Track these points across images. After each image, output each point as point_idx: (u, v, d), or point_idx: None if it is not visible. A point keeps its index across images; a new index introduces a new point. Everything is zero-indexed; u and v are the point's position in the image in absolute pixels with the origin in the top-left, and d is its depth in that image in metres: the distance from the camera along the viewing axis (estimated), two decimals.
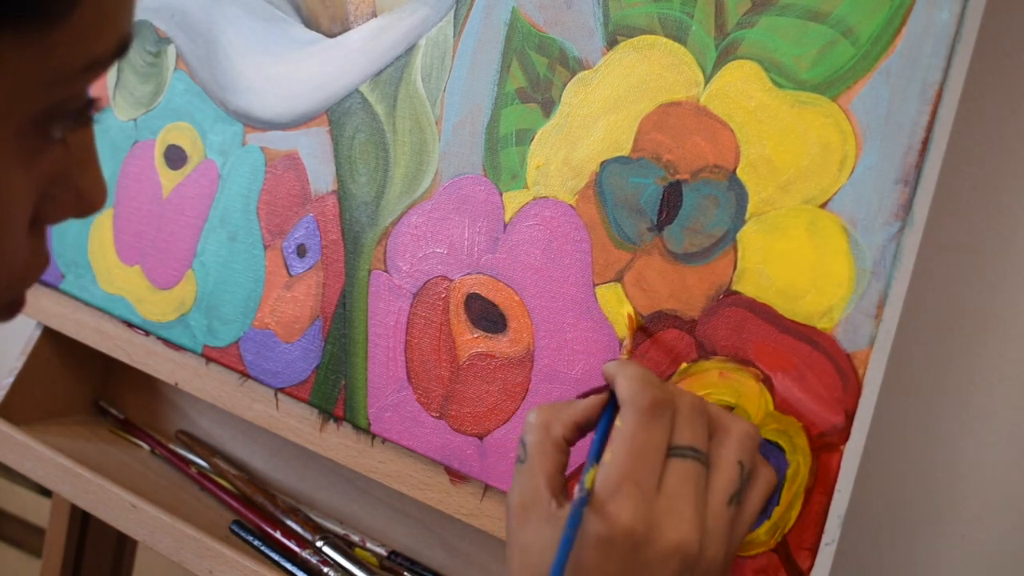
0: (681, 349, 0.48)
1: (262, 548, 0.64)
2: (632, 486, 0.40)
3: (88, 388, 0.80)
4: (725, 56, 0.48)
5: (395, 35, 0.58)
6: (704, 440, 0.42)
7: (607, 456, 0.41)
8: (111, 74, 0.71)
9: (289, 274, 0.61)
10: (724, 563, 0.41)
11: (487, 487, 0.54)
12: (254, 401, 0.63)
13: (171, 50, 0.68)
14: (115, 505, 0.65)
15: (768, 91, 0.46)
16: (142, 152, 0.69)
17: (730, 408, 0.47)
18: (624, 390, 0.42)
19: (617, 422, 0.41)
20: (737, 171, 0.47)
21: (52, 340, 0.76)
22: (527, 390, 0.52)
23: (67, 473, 0.67)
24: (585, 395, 0.44)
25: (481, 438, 0.53)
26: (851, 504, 0.46)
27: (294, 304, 0.61)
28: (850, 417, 0.44)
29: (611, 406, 0.43)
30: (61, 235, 0.72)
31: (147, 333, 0.68)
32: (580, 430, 0.43)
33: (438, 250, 0.56)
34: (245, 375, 0.63)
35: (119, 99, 0.70)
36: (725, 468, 0.41)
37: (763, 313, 0.46)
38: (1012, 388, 0.57)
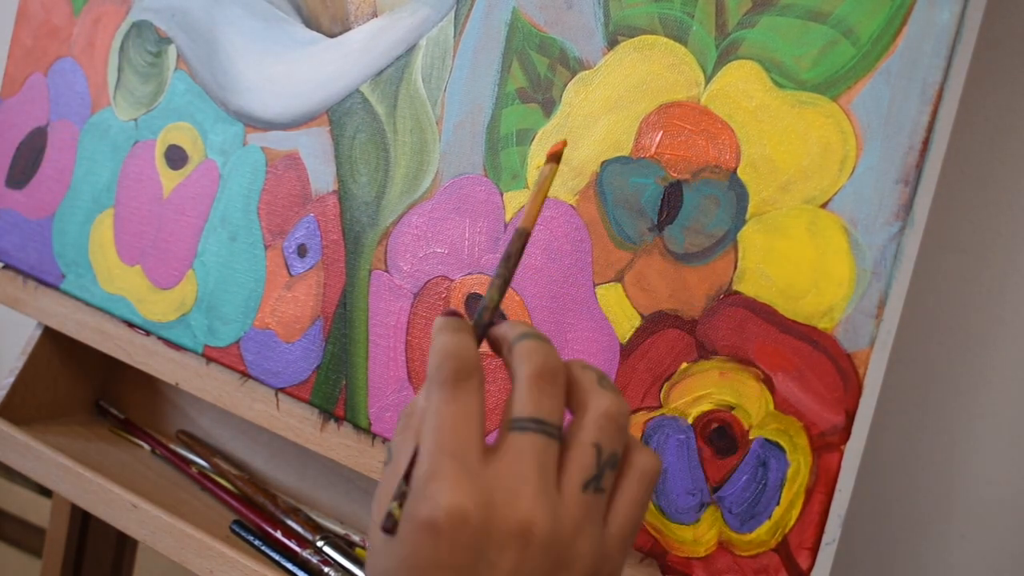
0: (681, 349, 0.48)
1: (263, 548, 0.64)
2: (449, 460, 0.35)
3: (88, 388, 0.80)
4: (726, 56, 0.48)
5: (396, 35, 0.58)
6: (554, 411, 0.37)
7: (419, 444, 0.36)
8: (112, 74, 0.71)
9: (290, 274, 0.61)
10: (590, 561, 0.36)
11: None
12: (255, 401, 0.63)
13: (172, 50, 0.68)
14: (115, 505, 0.65)
15: (769, 91, 0.47)
16: (142, 152, 0.69)
17: (730, 408, 0.47)
18: (429, 367, 0.37)
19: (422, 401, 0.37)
20: (738, 171, 0.47)
21: (52, 340, 0.76)
22: None
23: (67, 473, 0.67)
24: None
25: None
26: (851, 504, 0.46)
27: (295, 304, 0.61)
28: (850, 417, 0.44)
29: None
30: (61, 235, 0.72)
31: (148, 333, 0.68)
32: None
33: (439, 250, 0.56)
34: (246, 375, 0.63)
35: (120, 99, 0.70)
36: (577, 450, 0.36)
37: (763, 313, 0.46)
38: (1012, 388, 0.57)
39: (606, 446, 0.37)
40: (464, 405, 0.37)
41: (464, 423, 0.36)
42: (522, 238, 0.43)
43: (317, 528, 0.65)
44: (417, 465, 0.36)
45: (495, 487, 0.35)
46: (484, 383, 0.38)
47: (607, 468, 0.37)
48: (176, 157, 0.67)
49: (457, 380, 0.37)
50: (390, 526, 0.36)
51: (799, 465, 0.45)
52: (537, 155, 0.53)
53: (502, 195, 0.54)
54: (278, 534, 0.64)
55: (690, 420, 0.48)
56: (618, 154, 0.50)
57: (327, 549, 0.63)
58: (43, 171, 0.73)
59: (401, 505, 0.36)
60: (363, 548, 0.65)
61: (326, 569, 0.61)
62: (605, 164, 0.51)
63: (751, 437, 0.46)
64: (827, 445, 0.44)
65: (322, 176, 0.61)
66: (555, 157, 0.45)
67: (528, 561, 0.35)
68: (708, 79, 0.48)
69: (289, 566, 0.62)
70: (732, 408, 0.47)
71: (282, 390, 0.61)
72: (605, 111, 0.51)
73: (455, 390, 0.37)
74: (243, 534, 0.65)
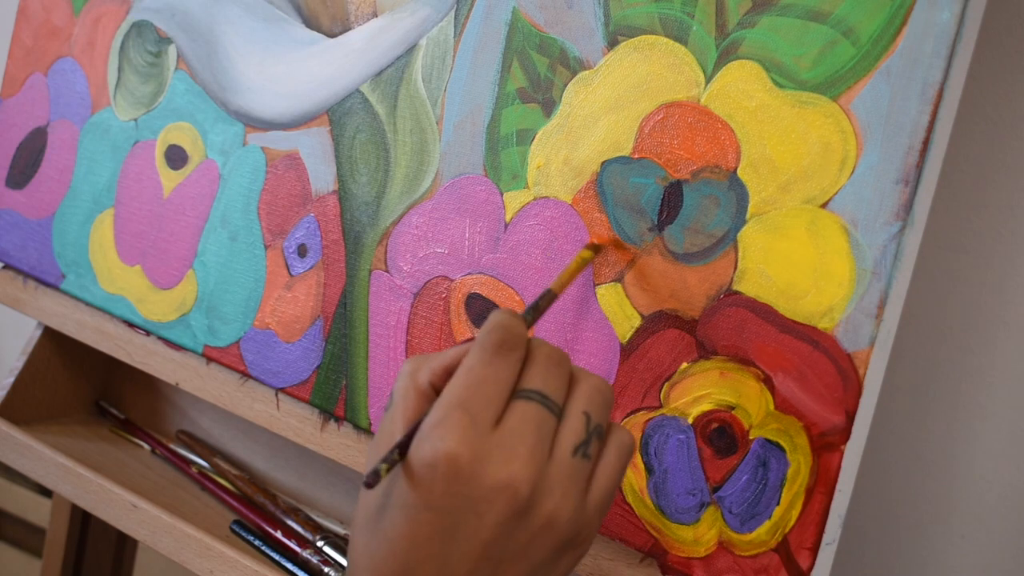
0: (681, 349, 0.48)
1: (263, 548, 0.64)
2: (463, 415, 0.38)
3: (89, 388, 0.80)
4: (726, 56, 0.48)
5: (396, 35, 0.58)
6: (558, 392, 0.40)
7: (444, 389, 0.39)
8: (112, 74, 0.71)
9: (290, 274, 0.61)
10: (571, 524, 0.38)
11: None
12: (255, 401, 0.63)
13: (172, 50, 0.68)
14: (116, 505, 0.65)
15: (769, 91, 0.47)
16: (143, 152, 0.69)
17: (730, 408, 0.47)
18: (479, 332, 0.40)
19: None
20: (738, 171, 0.47)
21: (53, 340, 0.76)
22: None
23: (67, 473, 0.67)
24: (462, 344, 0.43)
25: None
26: (851, 504, 0.46)
27: (295, 304, 0.61)
28: (851, 417, 0.44)
29: None
30: (62, 235, 0.72)
31: (148, 333, 0.68)
32: (449, 376, 0.41)
33: (439, 250, 0.56)
34: (246, 375, 0.63)
35: (120, 99, 0.70)
36: (570, 417, 0.39)
37: (764, 313, 0.46)
38: (1012, 388, 0.57)
39: (594, 416, 0.40)
40: (497, 371, 0.39)
41: (492, 387, 0.39)
42: (548, 299, 0.46)
43: (317, 528, 0.65)
44: (431, 413, 0.38)
45: (494, 445, 0.37)
46: (522, 364, 0.40)
47: (594, 436, 0.40)
48: (176, 157, 0.67)
49: (500, 348, 0.39)
50: (372, 482, 0.38)
51: (799, 465, 0.45)
52: (537, 155, 0.53)
53: (502, 195, 0.54)
54: (278, 534, 0.64)
55: (690, 420, 0.48)
56: (618, 154, 0.50)
57: (327, 549, 0.63)
58: (43, 171, 0.73)
59: (389, 469, 0.38)
60: None
61: (326, 569, 0.61)
62: (605, 164, 0.51)
63: (751, 437, 0.46)
64: (827, 445, 0.44)
65: (322, 176, 0.61)
66: (596, 249, 0.49)
67: (513, 518, 0.37)
68: (708, 79, 0.48)
69: (289, 566, 0.62)
70: (732, 408, 0.47)
71: (282, 390, 0.61)
72: (605, 111, 0.51)
73: (495, 356, 0.39)
74: (243, 534, 0.65)
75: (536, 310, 0.45)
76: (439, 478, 0.37)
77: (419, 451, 0.38)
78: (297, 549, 0.63)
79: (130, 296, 0.68)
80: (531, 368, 0.40)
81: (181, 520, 0.62)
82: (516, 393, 0.39)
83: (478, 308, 0.54)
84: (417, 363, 0.41)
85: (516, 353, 0.40)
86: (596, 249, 0.50)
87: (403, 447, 0.39)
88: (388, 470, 0.38)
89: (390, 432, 0.40)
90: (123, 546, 0.83)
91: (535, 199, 0.53)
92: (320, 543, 0.63)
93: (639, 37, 0.50)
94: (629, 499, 0.49)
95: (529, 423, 0.38)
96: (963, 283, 0.58)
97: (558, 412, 0.39)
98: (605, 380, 0.42)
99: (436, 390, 0.41)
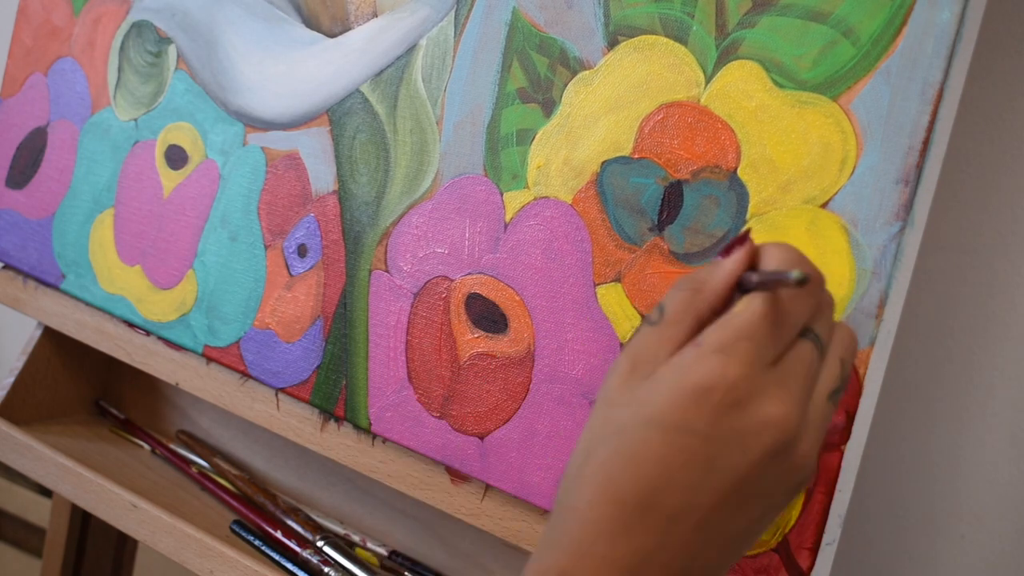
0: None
1: (263, 548, 0.64)
2: (750, 346, 0.36)
3: (89, 388, 0.80)
4: (726, 56, 0.48)
5: (396, 35, 0.58)
6: (828, 335, 0.39)
7: (739, 306, 0.37)
8: (112, 74, 0.71)
9: (290, 274, 0.61)
10: (811, 467, 0.37)
11: (488, 487, 0.54)
12: (255, 401, 0.63)
13: (172, 50, 0.68)
14: (116, 505, 0.65)
15: (769, 91, 0.47)
16: (143, 152, 0.69)
17: None
18: (782, 258, 0.38)
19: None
20: (738, 171, 0.47)
21: (53, 340, 0.76)
22: (528, 390, 0.52)
23: (67, 473, 0.67)
24: (728, 251, 0.40)
25: (482, 438, 0.53)
26: (851, 504, 0.46)
27: (295, 304, 0.61)
28: (851, 417, 0.44)
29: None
30: (62, 235, 0.72)
31: (148, 333, 0.68)
32: (727, 300, 0.39)
33: (439, 250, 0.56)
34: (246, 375, 0.63)
35: (120, 99, 0.70)
36: (830, 363, 0.38)
37: None
38: (1012, 388, 0.57)
39: (847, 365, 0.39)
40: (796, 311, 0.37)
41: (786, 324, 0.37)
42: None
43: (317, 528, 0.65)
44: (711, 333, 0.36)
45: (772, 381, 0.36)
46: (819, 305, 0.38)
47: (843, 384, 0.39)
48: (176, 157, 0.67)
49: (810, 284, 0.37)
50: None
51: None
52: (537, 155, 0.53)
53: (502, 195, 0.54)
54: (278, 534, 0.64)
55: None
56: (618, 154, 0.50)
57: (327, 549, 0.63)
58: (43, 171, 0.73)
59: (800, 282, 0.36)
60: (363, 548, 0.65)
61: (326, 569, 0.61)
62: (605, 164, 0.51)
63: None
64: (827, 445, 0.44)
65: (322, 176, 0.61)
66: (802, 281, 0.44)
67: (774, 456, 0.36)
68: (708, 79, 0.48)
69: (289, 566, 0.62)
70: None
71: (282, 390, 0.61)
72: (605, 111, 0.51)
73: (800, 293, 0.37)
74: (243, 534, 0.65)
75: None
76: (709, 405, 0.35)
77: (694, 371, 0.36)
78: (297, 549, 0.63)
79: (130, 296, 0.68)
80: (822, 309, 0.38)
81: (181, 520, 0.62)
82: (804, 331, 0.38)
83: (478, 308, 0.54)
84: (696, 283, 0.39)
85: (819, 293, 0.38)
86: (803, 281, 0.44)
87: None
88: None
89: (656, 351, 0.38)
90: (123, 546, 0.83)
91: (535, 199, 0.53)
92: (320, 543, 0.63)
93: (639, 37, 0.50)
94: None
95: (805, 365, 0.37)
96: (963, 283, 0.58)
97: (823, 353, 0.38)
98: (853, 330, 0.40)
99: (715, 313, 0.38)
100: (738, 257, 0.39)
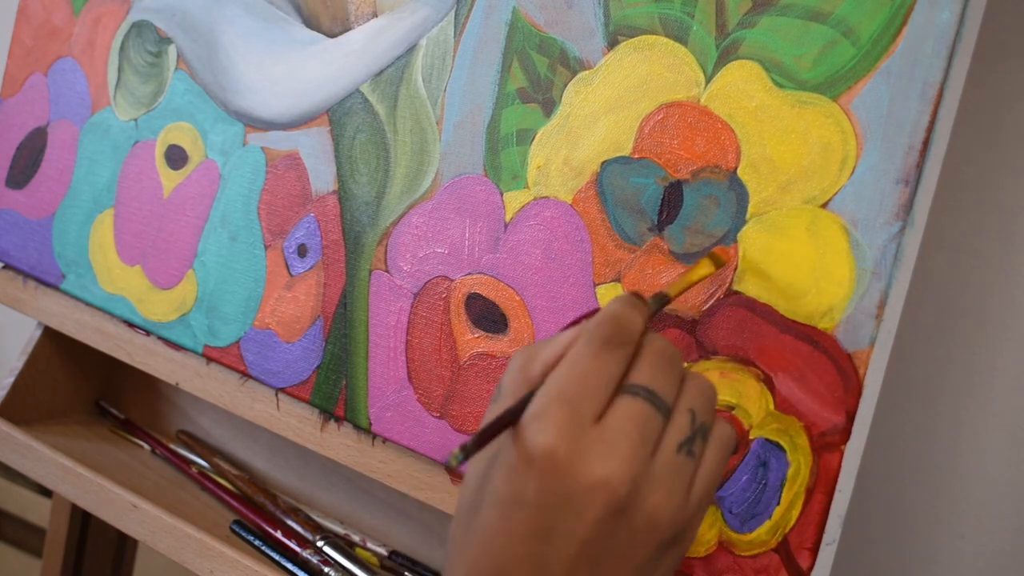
0: (681, 349, 0.48)
1: (263, 548, 0.64)
2: (564, 408, 0.36)
3: (89, 388, 0.80)
4: (726, 56, 0.48)
5: (396, 35, 0.58)
6: (668, 389, 0.38)
7: (547, 379, 0.37)
8: (112, 74, 0.71)
9: (290, 274, 0.61)
10: (674, 522, 0.37)
11: None
12: (255, 401, 0.63)
13: (172, 50, 0.68)
14: (116, 505, 0.65)
15: (769, 91, 0.47)
16: (143, 152, 0.69)
17: (730, 408, 0.47)
18: (590, 322, 0.38)
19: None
20: (738, 171, 0.47)
21: (53, 340, 0.76)
22: None
23: (67, 473, 0.67)
24: (569, 326, 0.41)
25: None
26: (851, 504, 0.46)
27: (295, 304, 0.61)
28: (851, 417, 0.44)
29: None
30: (62, 235, 0.72)
31: (148, 333, 0.68)
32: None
33: (439, 250, 0.56)
34: (246, 375, 0.63)
35: (120, 99, 0.70)
36: (676, 415, 0.38)
37: (764, 313, 0.46)
38: (1012, 388, 0.57)
39: (699, 414, 0.38)
40: (604, 366, 0.37)
41: (595, 381, 0.37)
42: (661, 301, 0.43)
43: (317, 528, 0.65)
44: (531, 404, 0.37)
45: (595, 441, 0.36)
46: (631, 359, 0.38)
47: (699, 435, 0.38)
48: (176, 157, 0.67)
49: (609, 342, 0.38)
50: (453, 465, 0.36)
51: (799, 465, 0.45)
52: (537, 155, 0.53)
53: (502, 195, 0.54)
54: (278, 534, 0.64)
55: None
56: (618, 154, 0.50)
57: (327, 549, 0.63)
58: (43, 171, 0.73)
59: (465, 454, 0.35)
60: (363, 548, 0.65)
61: (326, 569, 0.61)
62: (605, 164, 0.51)
63: (751, 437, 0.46)
64: (827, 445, 0.44)
65: (322, 176, 0.61)
66: (718, 263, 0.46)
67: (612, 516, 0.35)
68: (708, 79, 0.48)
69: (289, 566, 0.62)
70: (732, 408, 0.47)
71: (282, 390, 0.61)
72: (605, 111, 0.51)
73: (602, 350, 0.37)
74: (243, 534, 0.65)
75: (651, 311, 0.42)
76: (533, 474, 0.35)
77: (517, 445, 0.36)
78: (297, 549, 0.63)
79: (130, 296, 0.68)
80: (641, 363, 0.38)
81: (181, 520, 0.62)
82: (622, 388, 0.37)
83: (478, 308, 0.54)
84: (528, 355, 0.39)
85: (625, 349, 0.38)
86: (720, 264, 0.46)
87: (481, 437, 0.36)
88: (458, 459, 0.35)
89: None
90: (123, 546, 0.83)
91: (535, 199, 0.53)
92: (320, 543, 0.63)
93: (639, 37, 0.50)
94: None
95: (633, 420, 0.36)
96: (963, 283, 0.58)
97: (666, 410, 0.38)
98: (711, 382, 0.40)
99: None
100: (574, 331, 0.39)
